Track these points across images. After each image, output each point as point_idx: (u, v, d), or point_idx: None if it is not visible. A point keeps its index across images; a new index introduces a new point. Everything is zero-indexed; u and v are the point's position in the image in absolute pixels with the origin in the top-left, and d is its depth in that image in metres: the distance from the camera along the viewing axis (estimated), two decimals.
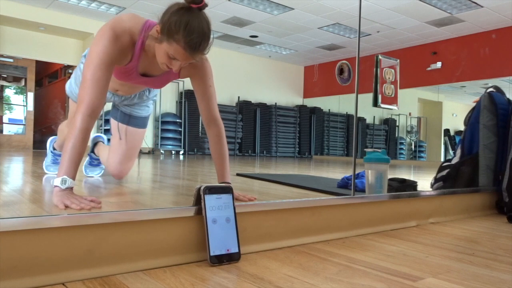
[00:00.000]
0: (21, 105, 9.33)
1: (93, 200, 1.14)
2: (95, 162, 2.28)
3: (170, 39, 1.24)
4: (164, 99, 8.93)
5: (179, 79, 1.56)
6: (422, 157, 11.42)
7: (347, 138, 11.45)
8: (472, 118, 2.41)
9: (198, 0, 1.24)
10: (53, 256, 0.90)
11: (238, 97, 9.80)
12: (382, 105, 4.85)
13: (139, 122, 1.99)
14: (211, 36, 1.29)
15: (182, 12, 1.24)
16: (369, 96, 4.92)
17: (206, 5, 1.27)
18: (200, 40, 1.25)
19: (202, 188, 1.11)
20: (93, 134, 2.03)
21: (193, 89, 1.55)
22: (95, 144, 2.26)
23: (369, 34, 8.14)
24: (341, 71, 10.15)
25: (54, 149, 2.32)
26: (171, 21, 1.23)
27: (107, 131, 7.21)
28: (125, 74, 1.52)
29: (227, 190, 1.16)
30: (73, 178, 1.19)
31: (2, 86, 9.32)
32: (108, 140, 2.21)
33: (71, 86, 1.86)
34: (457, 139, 10.37)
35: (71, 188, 1.18)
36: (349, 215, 1.51)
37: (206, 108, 1.53)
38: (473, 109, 2.44)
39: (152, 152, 8.58)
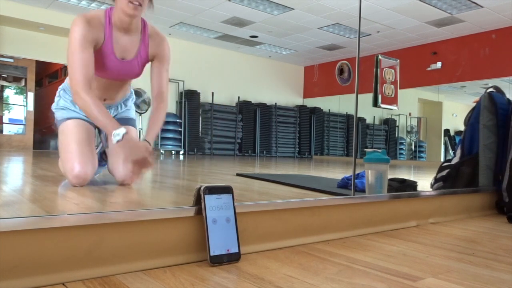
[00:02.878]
0: (21, 105, 9.32)
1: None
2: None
3: None
4: None
5: (149, 62, 1.89)
6: (422, 157, 11.42)
7: (347, 138, 11.45)
8: (472, 118, 2.41)
9: None
10: (53, 256, 0.90)
11: (238, 97, 9.79)
12: (382, 105, 4.86)
13: (130, 123, 2.07)
14: None
15: None
16: (369, 96, 4.92)
17: None
18: None
19: (202, 188, 1.11)
20: None
21: (150, 68, 1.83)
22: None
23: (369, 34, 8.14)
24: (341, 71, 10.15)
25: None
26: None
27: None
28: (105, 60, 1.70)
29: (227, 190, 1.16)
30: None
31: (2, 86, 9.31)
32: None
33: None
34: (457, 139, 10.38)
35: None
36: (349, 215, 1.51)
37: (157, 85, 1.82)
38: (473, 109, 2.44)
39: None
